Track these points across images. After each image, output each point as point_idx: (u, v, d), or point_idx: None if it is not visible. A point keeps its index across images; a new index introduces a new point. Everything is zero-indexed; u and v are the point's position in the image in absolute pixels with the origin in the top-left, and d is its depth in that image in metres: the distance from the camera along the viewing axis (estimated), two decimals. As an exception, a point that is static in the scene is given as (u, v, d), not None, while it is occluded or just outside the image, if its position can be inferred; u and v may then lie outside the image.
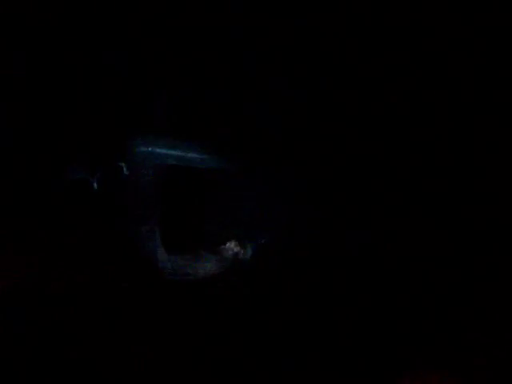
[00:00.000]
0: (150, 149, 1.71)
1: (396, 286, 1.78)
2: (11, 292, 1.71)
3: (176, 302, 1.80)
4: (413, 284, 1.77)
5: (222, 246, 1.87)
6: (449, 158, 1.79)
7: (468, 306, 1.74)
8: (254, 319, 1.79)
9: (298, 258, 1.82)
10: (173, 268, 1.81)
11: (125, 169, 1.73)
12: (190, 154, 1.73)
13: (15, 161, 1.75)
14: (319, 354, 1.73)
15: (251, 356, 1.73)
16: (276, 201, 1.85)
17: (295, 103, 1.78)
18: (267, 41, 1.74)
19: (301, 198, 1.85)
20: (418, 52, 1.76)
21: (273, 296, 1.81)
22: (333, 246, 1.81)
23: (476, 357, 1.67)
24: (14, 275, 1.72)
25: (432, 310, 1.75)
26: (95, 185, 1.74)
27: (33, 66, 1.73)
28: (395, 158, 1.80)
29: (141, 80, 1.77)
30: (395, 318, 1.74)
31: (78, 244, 1.80)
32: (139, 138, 1.70)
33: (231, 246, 1.87)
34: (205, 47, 1.75)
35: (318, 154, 1.80)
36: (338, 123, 1.80)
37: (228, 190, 1.86)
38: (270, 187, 1.84)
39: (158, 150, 1.71)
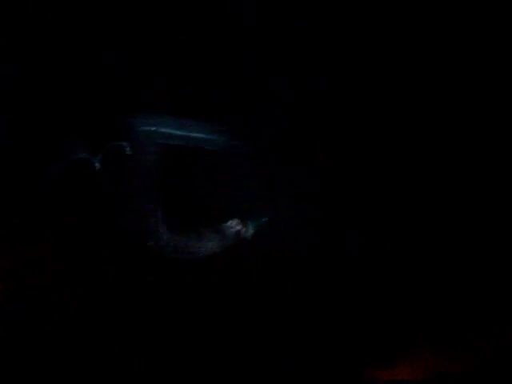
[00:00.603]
0: (153, 128, 1.69)
1: (396, 279, 1.82)
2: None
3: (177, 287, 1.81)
4: (412, 279, 1.81)
5: (224, 225, 1.87)
6: (448, 159, 1.81)
7: (463, 299, 1.79)
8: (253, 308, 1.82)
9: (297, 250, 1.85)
10: (175, 246, 1.81)
11: (128, 148, 1.70)
12: (194, 134, 1.72)
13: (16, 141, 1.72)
14: (321, 340, 1.79)
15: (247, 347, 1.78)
16: (277, 184, 1.86)
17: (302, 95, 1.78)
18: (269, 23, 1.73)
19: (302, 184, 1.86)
20: (419, 53, 1.76)
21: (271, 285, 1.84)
22: (332, 242, 1.84)
23: (468, 339, 1.75)
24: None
25: (430, 302, 1.80)
26: (97, 165, 1.71)
27: (38, 44, 1.68)
28: (395, 159, 1.82)
29: (145, 58, 1.74)
30: (397, 308, 1.80)
31: (78, 232, 1.78)
32: (143, 116, 1.68)
33: (233, 225, 1.88)
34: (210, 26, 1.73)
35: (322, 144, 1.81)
36: (341, 122, 1.81)
37: (231, 169, 1.85)
38: (272, 170, 1.85)
39: (163, 130, 1.70)
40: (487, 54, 1.75)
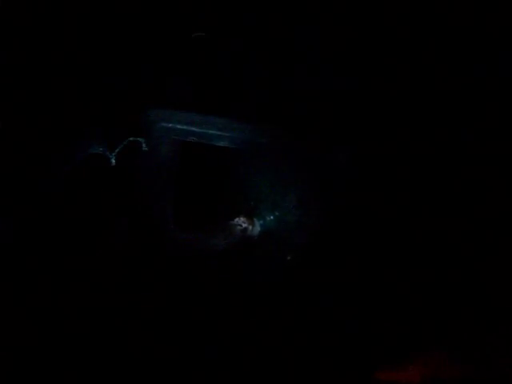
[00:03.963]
0: (170, 124, 1.72)
1: (409, 281, 1.86)
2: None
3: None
4: (425, 281, 1.85)
5: (231, 222, 1.91)
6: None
7: (478, 303, 1.83)
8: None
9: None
10: (181, 243, 1.83)
11: (144, 144, 1.73)
12: (210, 131, 1.76)
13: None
14: (329, 341, 1.82)
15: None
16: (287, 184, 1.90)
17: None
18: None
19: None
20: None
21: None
22: (342, 242, 1.87)
23: (481, 343, 1.79)
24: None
25: (443, 305, 1.84)
26: (113, 160, 1.72)
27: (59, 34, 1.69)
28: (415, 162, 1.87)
29: (162, 53, 1.77)
30: (409, 310, 1.84)
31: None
32: (160, 112, 1.71)
33: (240, 222, 1.91)
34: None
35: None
36: (360, 123, 1.87)
37: (239, 166, 1.90)
38: (282, 167, 1.90)
39: (179, 126, 1.73)
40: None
